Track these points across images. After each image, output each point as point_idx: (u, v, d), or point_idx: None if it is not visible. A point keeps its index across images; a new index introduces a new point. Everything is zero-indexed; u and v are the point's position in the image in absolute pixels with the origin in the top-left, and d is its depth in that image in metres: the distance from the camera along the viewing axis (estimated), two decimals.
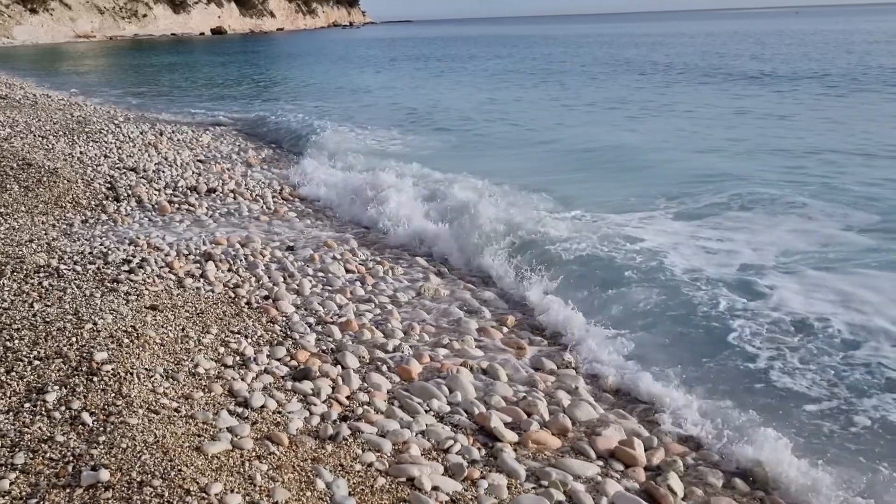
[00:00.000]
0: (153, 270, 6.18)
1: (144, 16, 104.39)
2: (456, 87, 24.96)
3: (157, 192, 9.36)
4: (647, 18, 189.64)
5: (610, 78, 25.85)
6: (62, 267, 6.02)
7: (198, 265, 6.51)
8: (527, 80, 26.04)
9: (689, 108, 17.48)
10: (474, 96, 21.56)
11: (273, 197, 9.57)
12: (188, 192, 9.53)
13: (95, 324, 4.74)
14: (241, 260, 6.74)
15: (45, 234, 7.11)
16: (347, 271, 6.71)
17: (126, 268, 6.17)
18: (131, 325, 4.81)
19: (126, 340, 4.54)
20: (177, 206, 8.83)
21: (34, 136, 12.51)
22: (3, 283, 5.40)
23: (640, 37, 63.97)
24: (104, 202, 8.66)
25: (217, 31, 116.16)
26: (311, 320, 5.52)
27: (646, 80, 24.73)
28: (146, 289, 5.67)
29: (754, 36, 55.61)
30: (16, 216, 7.61)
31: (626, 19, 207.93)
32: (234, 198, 9.36)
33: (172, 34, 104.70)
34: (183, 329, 4.97)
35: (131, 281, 5.81)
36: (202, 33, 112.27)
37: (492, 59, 39.33)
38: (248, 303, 5.75)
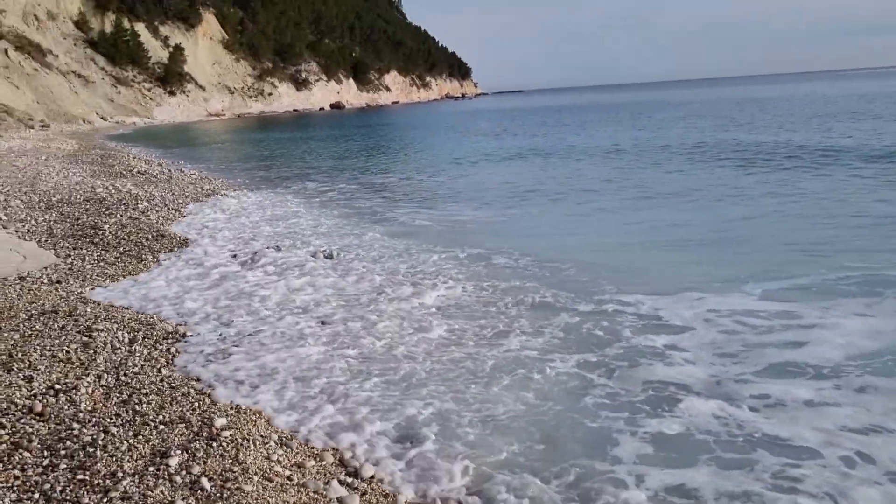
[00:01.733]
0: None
1: (270, 94, 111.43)
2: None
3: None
4: (740, 83, 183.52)
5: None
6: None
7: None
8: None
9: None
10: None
11: None
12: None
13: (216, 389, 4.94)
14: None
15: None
16: None
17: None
18: None
19: (244, 407, 4.70)
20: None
21: (168, 209, 13.40)
22: (136, 349, 5.73)
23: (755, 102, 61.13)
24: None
25: (336, 106, 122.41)
26: None
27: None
28: None
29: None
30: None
31: (725, 83, 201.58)
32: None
33: (294, 110, 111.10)
34: None
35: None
36: (322, 108, 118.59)
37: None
38: None
